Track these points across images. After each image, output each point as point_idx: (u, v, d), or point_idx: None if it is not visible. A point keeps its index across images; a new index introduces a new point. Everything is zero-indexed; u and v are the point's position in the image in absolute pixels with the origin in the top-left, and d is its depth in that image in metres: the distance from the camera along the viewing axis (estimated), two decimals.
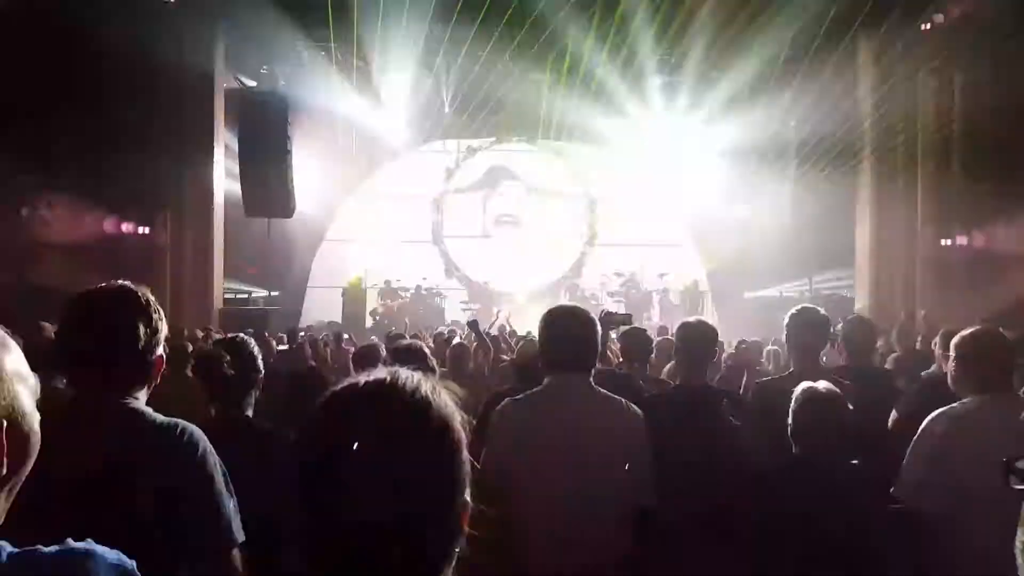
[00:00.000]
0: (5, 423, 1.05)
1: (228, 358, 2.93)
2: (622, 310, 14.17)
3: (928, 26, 13.44)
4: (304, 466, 1.07)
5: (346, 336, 11.43)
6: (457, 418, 1.11)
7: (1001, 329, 3.28)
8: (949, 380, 3.21)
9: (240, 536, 1.99)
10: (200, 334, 9.58)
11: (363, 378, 1.11)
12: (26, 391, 1.10)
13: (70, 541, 1.10)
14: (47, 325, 5.57)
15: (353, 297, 18.29)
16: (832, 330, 4.24)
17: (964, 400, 3.04)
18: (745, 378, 5.88)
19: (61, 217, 12.32)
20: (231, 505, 2.00)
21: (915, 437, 3.04)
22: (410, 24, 14.30)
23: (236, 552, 1.98)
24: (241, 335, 3.18)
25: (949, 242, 13.97)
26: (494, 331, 10.47)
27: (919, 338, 7.77)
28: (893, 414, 3.89)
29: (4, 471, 1.04)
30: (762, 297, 18.21)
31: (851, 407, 2.94)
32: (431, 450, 1.06)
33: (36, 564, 1.05)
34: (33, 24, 10.69)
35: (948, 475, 2.88)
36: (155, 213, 13.91)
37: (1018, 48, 10.82)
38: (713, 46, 14.73)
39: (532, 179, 21.09)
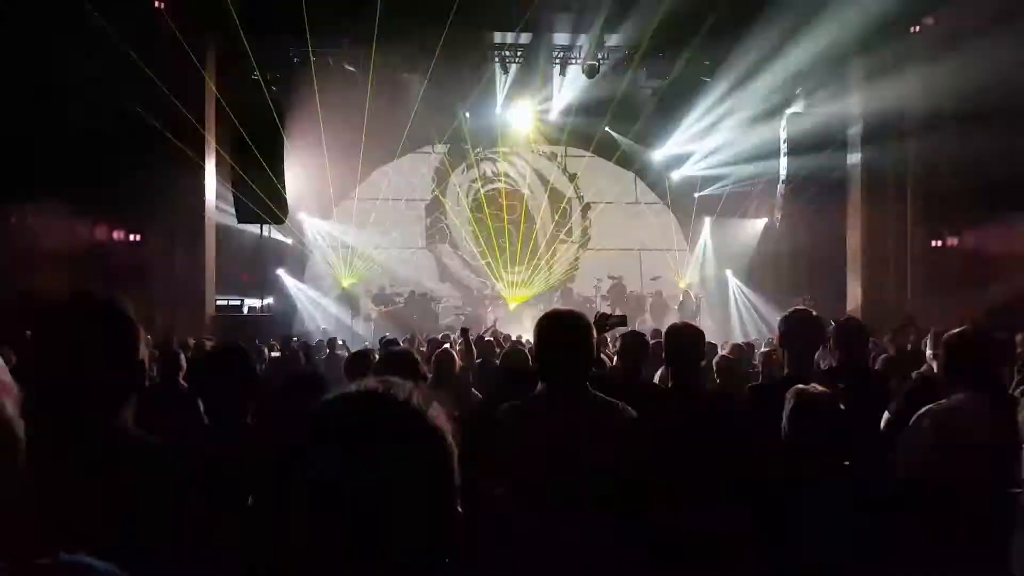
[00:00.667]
0: None
1: (224, 367, 2.92)
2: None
3: (918, 28, 13.53)
4: (295, 475, 1.07)
5: (340, 342, 11.41)
6: (449, 430, 1.12)
7: (989, 329, 3.31)
8: (938, 378, 3.24)
9: (211, 559, 1.93)
10: (192, 342, 9.56)
11: (355, 389, 1.11)
12: (11, 401, 1.09)
13: (62, 554, 1.09)
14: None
15: (347, 303, 18.27)
16: (825, 331, 4.25)
17: (951, 398, 3.07)
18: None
19: (52, 225, 12.27)
20: (203, 527, 1.94)
21: (903, 434, 3.07)
22: (403, 28, 14.35)
23: None
24: (237, 344, 3.16)
25: (940, 243, 14.05)
26: (488, 336, 10.48)
27: (910, 339, 7.80)
28: (885, 415, 3.90)
29: None
30: (754, 300, 18.28)
31: (844, 408, 2.95)
32: (423, 461, 1.06)
33: None
34: (23, 31, 10.66)
35: (934, 470, 2.91)
36: (146, 221, 13.87)
37: (1006, 49, 10.88)
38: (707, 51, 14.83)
39: (527, 182, 21.14)
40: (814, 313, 4.07)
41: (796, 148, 15.58)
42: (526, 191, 21.12)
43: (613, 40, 15.71)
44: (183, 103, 13.62)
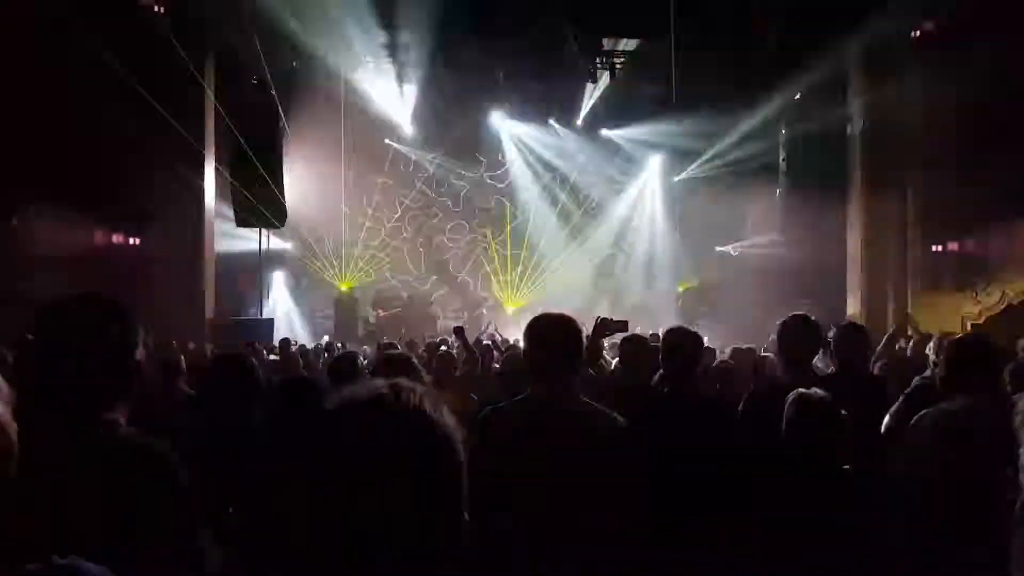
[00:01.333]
0: None
1: (230, 374, 2.92)
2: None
3: (918, 33, 13.55)
4: (303, 478, 1.07)
5: (339, 345, 11.40)
6: (458, 435, 1.11)
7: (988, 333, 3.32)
8: (938, 382, 3.24)
9: (210, 569, 1.92)
10: (191, 346, 9.55)
11: (365, 394, 1.10)
12: (3, 402, 1.09)
13: (56, 557, 1.08)
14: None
15: (346, 306, 18.26)
16: (824, 337, 4.24)
17: (951, 401, 3.07)
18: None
19: (51, 229, 12.27)
20: (202, 537, 1.93)
21: (904, 437, 3.07)
22: (404, 34, 14.40)
23: None
24: (240, 352, 3.16)
25: (940, 248, 14.05)
26: (485, 339, 10.45)
27: (910, 344, 7.80)
28: (886, 420, 3.90)
29: None
30: (754, 304, 18.25)
31: (843, 413, 2.95)
32: (431, 466, 1.07)
33: None
34: (25, 36, 10.67)
35: (934, 473, 2.91)
36: (146, 224, 13.87)
37: (1009, 54, 10.90)
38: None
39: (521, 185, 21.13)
40: (812, 318, 4.06)
41: (795, 152, 15.63)
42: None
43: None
44: (183, 106, 13.64)
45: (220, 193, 15.38)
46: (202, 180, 14.60)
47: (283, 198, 15.50)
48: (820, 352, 4.21)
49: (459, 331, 7.02)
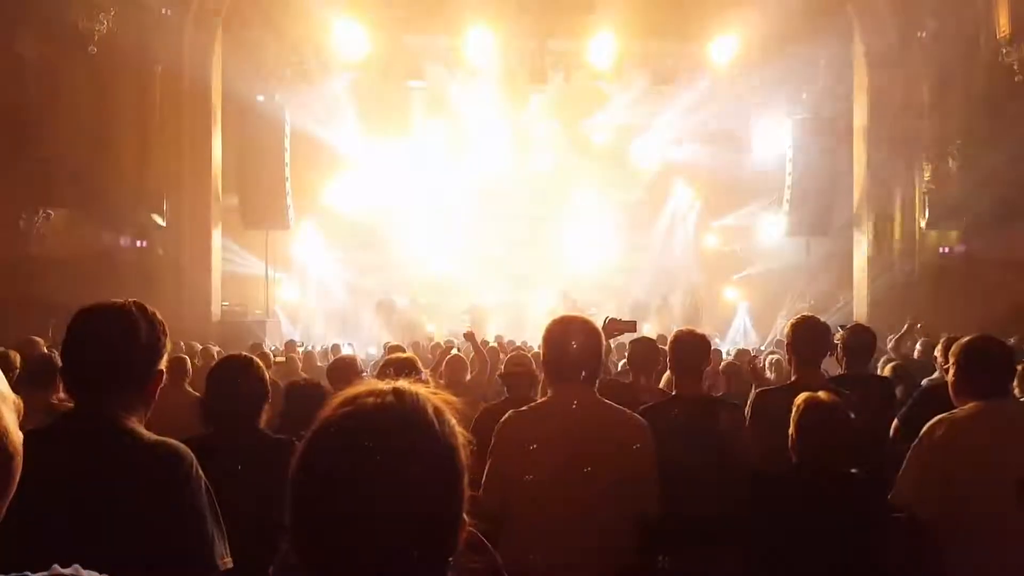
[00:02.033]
0: None
1: (237, 378, 2.92)
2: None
3: (924, 34, 13.52)
4: (303, 484, 1.06)
5: (347, 346, 11.41)
6: (459, 436, 1.11)
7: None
8: (949, 387, 3.21)
9: (223, 564, 1.93)
10: (199, 347, 9.57)
11: (368, 397, 1.10)
12: (9, 411, 1.09)
13: (57, 567, 1.08)
14: (39, 340, 5.57)
15: (351, 308, 18.27)
16: (832, 338, 4.23)
17: (963, 406, 3.04)
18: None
19: (59, 231, 12.30)
20: (215, 532, 1.94)
21: (914, 443, 3.03)
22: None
23: None
24: (248, 355, 3.16)
25: (947, 250, 14.00)
26: (492, 343, 10.43)
27: (918, 346, 7.77)
28: (894, 422, 3.88)
29: None
30: (758, 308, 18.25)
31: (851, 415, 2.93)
32: (434, 471, 1.06)
33: None
34: (33, 39, 10.72)
35: (946, 480, 2.88)
36: (152, 226, 13.90)
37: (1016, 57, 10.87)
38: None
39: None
40: (822, 320, 4.05)
41: (802, 152, 15.59)
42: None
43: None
44: (190, 109, 13.69)
45: (227, 194, 15.41)
46: (209, 181, 14.63)
47: (289, 199, 15.51)
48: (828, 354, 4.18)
49: (470, 336, 7.01)
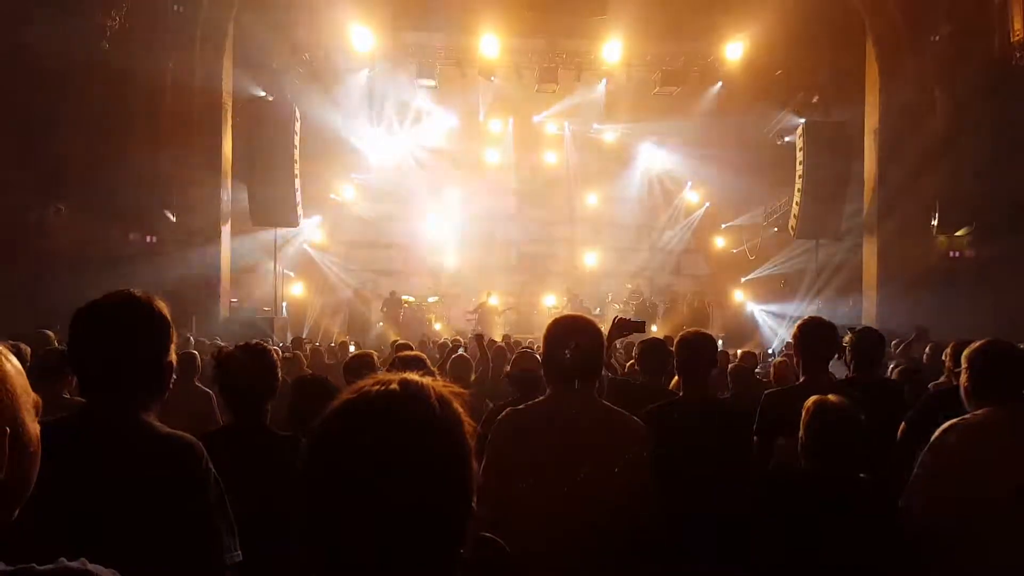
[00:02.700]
0: (8, 430, 1.06)
1: (250, 365, 2.90)
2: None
3: (937, 37, 13.45)
4: (315, 472, 1.07)
5: (352, 347, 11.42)
6: (466, 426, 1.11)
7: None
8: (961, 392, 3.18)
9: (233, 558, 1.94)
10: (207, 343, 9.61)
11: (374, 386, 1.11)
12: (28, 407, 1.10)
13: (64, 560, 1.09)
14: (51, 334, 5.59)
15: (358, 306, 18.31)
16: (840, 341, 4.21)
17: (976, 411, 3.02)
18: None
19: (69, 226, 12.36)
20: (226, 526, 1.94)
21: (926, 448, 3.01)
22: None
23: None
24: (261, 342, 3.14)
25: (957, 254, 13.93)
26: (499, 341, 10.42)
27: (927, 350, 7.73)
28: (902, 426, 3.86)
29: (3, 475, 1.05)
30: (766, 309, 18.20)
31: (861, 418, 2.91)
32: (440, 458, 1.07)
33: None
34: (45, 35, 10.76)
35: (958, 486, 2.85)
36: (163, 222, 13.95)
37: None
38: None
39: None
40: (830, 322, 4.03)
41: (812, 154, 15.54)
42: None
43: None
44: (199, 106, 13.72)
45: (236, 191, 15.45)
46: (218, 178, 14.67)
47: (297, 197, 15.55)
48: (836, 356, 4.16)
49: (479, 337, 7.02)
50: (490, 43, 15.42)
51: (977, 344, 3.15)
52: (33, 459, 1.11)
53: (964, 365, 3.15)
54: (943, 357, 4.76)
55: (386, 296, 18.75)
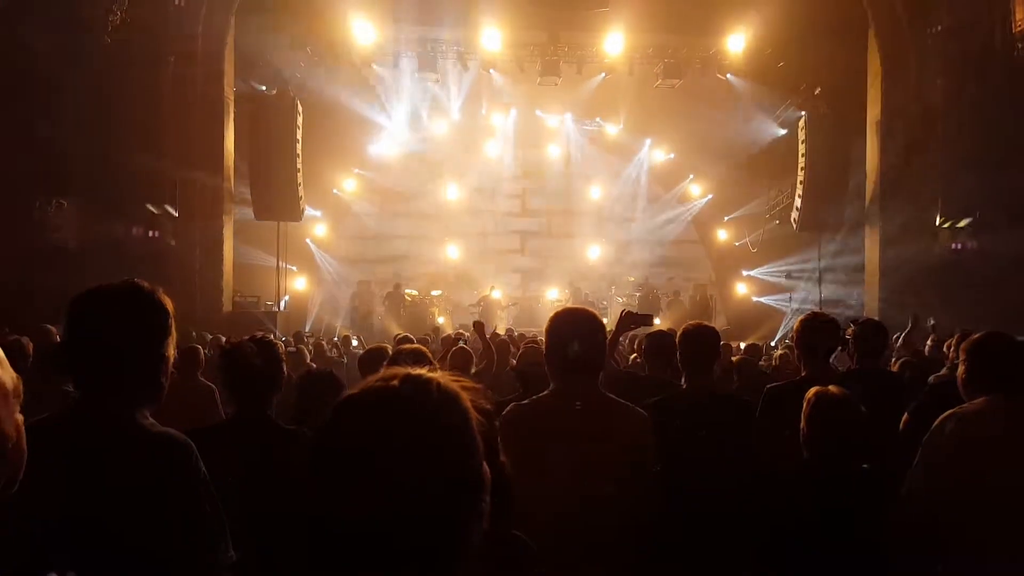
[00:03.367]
0: None
1: (258, 357, 2.89)
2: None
3: (939, 28, 13.40)
4: (321, 466, 1.07)
5: (355, 341, 11.44)
6: (473, 420, 1.12)
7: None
8: (959, 383, 3.19)
9: (226, 559, 1.89)
10: (209, 337, 9.62)
11: (378, 380, 1.11)
12: (4, 394, 1.07)
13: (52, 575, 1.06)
14: (52, 328, 5.60)
15: (361, 300, 18.31)
16: (842, 333, 4.21)
17: (974, 401, 3.02)
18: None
19: (71, 220, 12.36)
20: (218, 526, 1.89)
21: (925, 438, 3.02)
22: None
23: None
24: (267, 335, 3.14)
25: (960, 246, 13.90)
26: (503, 335, 10.41)
27: (928, 342, 7.72)
28: (904, 417, 3.87)
29: None
30: (769, 300, 18.20)
31: (862, 410, 2.92)
32: (444, 452, 1.07)
33: None
34: (46, 28, 10.76)
35: (956, 475, 2.86)
36: (164, 217, 13.96)
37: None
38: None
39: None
40: (832, 315, 4.04)
41: (815, 146, 15.52)
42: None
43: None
44: (201, 99, 13.71)
45: (238, 185, 15.46)
46: (221, 172, 14.67)
47: (300, 191, 15.55)
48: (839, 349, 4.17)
49: (479, 325, 6.86)
50: (491, 36, 15.43)
51: (975, 336, 3.16)
52: (10, 448, 1.07)
53: (962, 357, 3.17)
54: (945, 348, 4.76)
55: (389, 290, 18.76)
